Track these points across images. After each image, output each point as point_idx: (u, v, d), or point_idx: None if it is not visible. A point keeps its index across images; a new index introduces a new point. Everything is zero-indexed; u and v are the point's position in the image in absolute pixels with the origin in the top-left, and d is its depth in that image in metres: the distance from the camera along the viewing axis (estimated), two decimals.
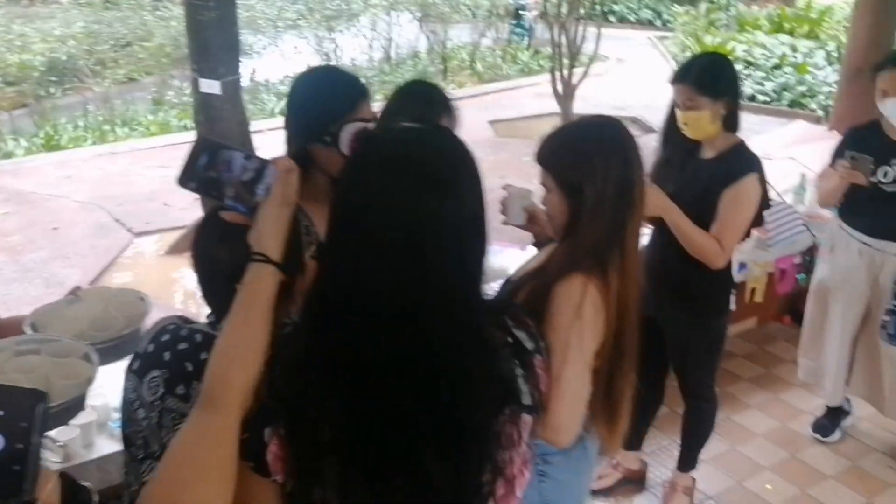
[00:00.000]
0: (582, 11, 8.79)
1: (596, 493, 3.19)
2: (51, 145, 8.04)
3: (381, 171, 1.13)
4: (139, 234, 6.05)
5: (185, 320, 1.58)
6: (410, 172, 1.12)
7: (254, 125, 5.80)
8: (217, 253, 1.46)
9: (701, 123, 2.55)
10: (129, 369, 1.56)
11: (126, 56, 9.83)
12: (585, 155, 1.70)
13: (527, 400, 1.20)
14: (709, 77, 2.55)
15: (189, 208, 5.98)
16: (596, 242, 1.68)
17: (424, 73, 10.80)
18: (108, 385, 2.01)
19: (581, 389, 1.66)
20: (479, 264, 1.18)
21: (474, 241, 1.16)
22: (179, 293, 5.19)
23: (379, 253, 1.10)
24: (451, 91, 10.58)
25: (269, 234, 1.27)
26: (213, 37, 4.75)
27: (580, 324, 1.63)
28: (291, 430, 1.11)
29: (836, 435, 3.57)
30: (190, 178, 1.35)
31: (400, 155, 1.14)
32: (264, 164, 1.32)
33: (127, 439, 1.57)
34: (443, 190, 1.11)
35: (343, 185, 1.17)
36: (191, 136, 7.37)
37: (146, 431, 1.50)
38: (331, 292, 1.13)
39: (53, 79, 9.20)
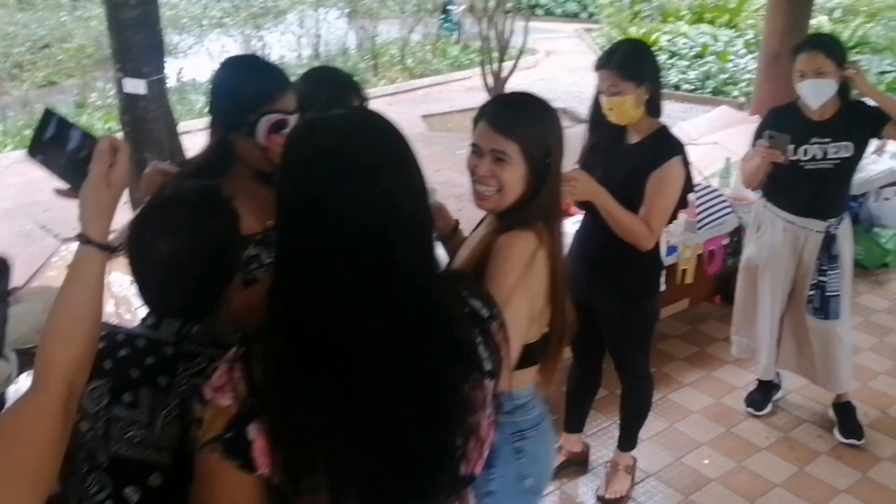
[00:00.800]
0: (509, 5, 8.87)
1: None
2: None
3: (323, 164, 1.13)
4: (67, 241, 5.86)
5: (114, 327, 1.54)
6: (352, 161, 1.12)
7: (182, 125, 5.69)
8: (155, 245, 1.44)
9: (625, 108, 2.62)
10: None
11: (45, 58, 9.51)
12: (554, 126, 1.78)
13: (487, 366, 1.26)
14: (632, 62, 2.61)
15: (119, 210, 5.84)
16: (544, 207, 1.77)
17: (354, 69, 10.73)
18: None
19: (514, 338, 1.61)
20: (431, 238, 1.22)
21: (424, 216, 1.20)
22: (111, 299, 5.05)
23: (337, 242, 1.11)
24: (383, 87, 10.57)
25: (89, 216, 1.27)
26: (135, 35, 4.64)
27: (529, 274, 1.70)
28: (277, 424, 1.12)
29: (768, 408, 3.70)
30: (38, 150, 1.37)
31: (339, 146, 1.14)
32: (93, 142, 1.33)
33: (66, 455, 1.46)
34: (388, 171, 1.13)
35: (287, 182, 1.16)
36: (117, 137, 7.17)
37: (91, 443, 1.46)
38: (296, 287, 1.14)
39: None
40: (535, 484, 1.95)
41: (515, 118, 1.77)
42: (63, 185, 1.37)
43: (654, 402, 3.20)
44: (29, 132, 8.13)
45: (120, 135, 5.60)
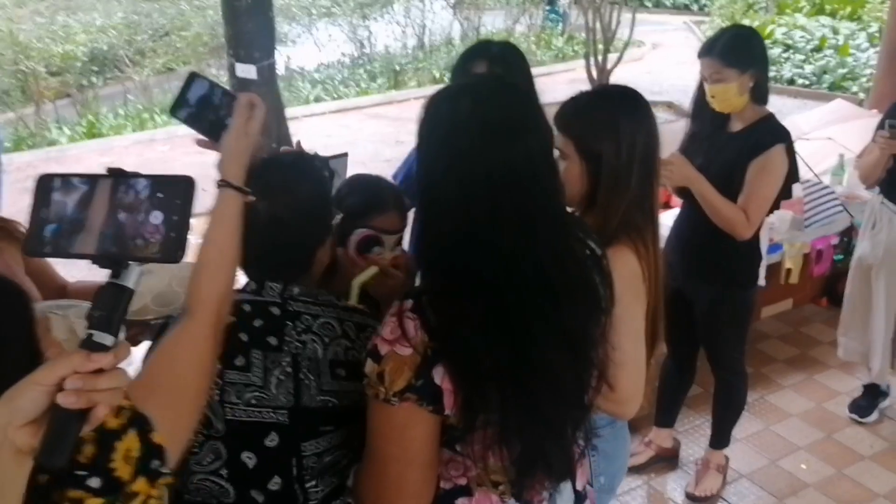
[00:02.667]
0: None
1: (628, 469, 3.20)
2: (93, 133, 8.22)
3: (474, 123, 1.23)
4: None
5: None
6: (499, 119, 1.23)
7: (289, 112, 5.88)
8: (254, 206, 1.48)
9: (728, 96, 2.54)
10: None
11: (164, 46, 9.97)
12: (611, 122, 1.70)
13: (604, 304, 1.38)
14: (735, 49, 2.53)
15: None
16: (626, 212, 1.69)
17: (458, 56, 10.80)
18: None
19: (640, 359, 1.69)
20: (561, 188, 1.36)
21: (554, 168, 1.33)
22: None
23: (487, 194, 1.20)
24: None
25: (228, 162, 1.40)
26: (248, 22, 4.84)
27: (632, 293, 1.65)
28: (459, 366, 1.22)
29: (874, 416, 3.53)
30: (180, 109, 1.51)
31: (488, 106, 1.25)
32: (233, 97, 1.48)
33: None
34: (527, 128, 1.25)
35: (436, 142, 1.26)
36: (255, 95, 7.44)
37: (206, 412, 1.50)
38: (451, 238, 1.24)
39: (95, 69, 9.38)
40: (608, 482, 1.93)
41: (573, 116, 1.75)
42: (203, 138, 1.51)
43: (751, 403, 3.11)
44: (147, 116, 8.58)
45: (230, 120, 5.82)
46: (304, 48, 10.91)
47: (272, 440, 1.51)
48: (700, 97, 2.66)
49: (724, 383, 2.99)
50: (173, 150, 7.59)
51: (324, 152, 2.04)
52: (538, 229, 1.24)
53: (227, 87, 1.56)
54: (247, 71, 4.92)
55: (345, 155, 2.28)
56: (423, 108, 1.29)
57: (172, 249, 0.83)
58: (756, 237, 2.66)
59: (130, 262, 0.84)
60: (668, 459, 3.26)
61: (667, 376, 3.17)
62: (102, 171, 0.89)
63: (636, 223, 1.70)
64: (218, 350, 1.36)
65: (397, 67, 10.50)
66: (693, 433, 3.42)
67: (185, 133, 8.80)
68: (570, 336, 1.29)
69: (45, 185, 0.87)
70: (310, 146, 2.35)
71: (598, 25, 8.42)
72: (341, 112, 9.21)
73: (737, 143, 2.59)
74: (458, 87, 1.34)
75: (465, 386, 1.22)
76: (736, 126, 2.64)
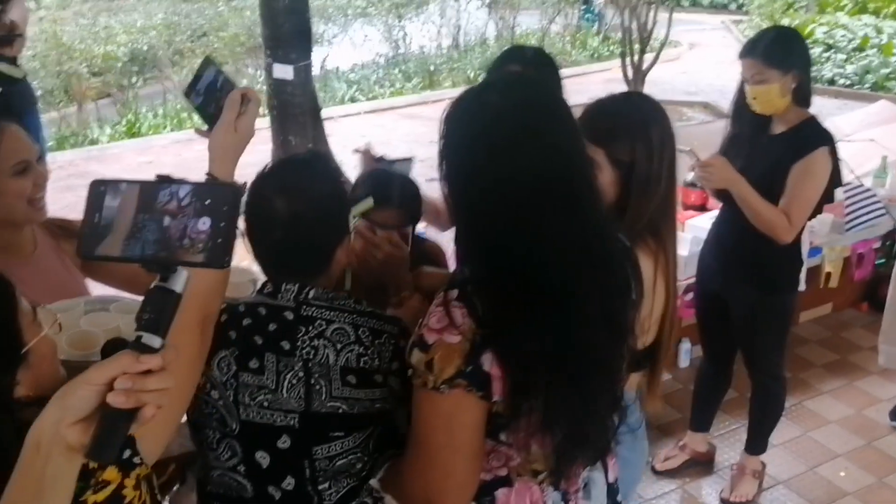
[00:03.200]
0: None
1: (662, 473, 3.18)
2: (132, 132, 8.35)
3: (517, 115, 1.27)
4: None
5: (233, 299, 1.61)
6: (539, 110, 1.29)
7: (324, 112, 5.91)
8: (272, 204, 1.50)
9: (770, 97, 2.51)
10: None
11: (202, 46, 10.09)
12: (642, 129, 1.72)
13: (634, 295, 1.42)
14: (777, 50, 2.49)
15: None
16: (650, 218, 1.72)
17: (492, 59, 10.78)
18: None
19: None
20: (596, 181, 1.41)
21: (589, 160, 1.37)
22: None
23: (533, 183, 1.24)
24: None
25: (216, 156, 1.38)
26: (285, 23, 4.88)
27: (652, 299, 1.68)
28: (507, 352, 1.25)
29: None
30: (193, 93, 1.54)
31: (527, 100, 1.30)
32: (232, 87, 1.48)
33: (196, 426, 1.62)
34: (564, 120, 1.30)
35: (475, 136, 1.28)
36: (262, 122, 7.56)
37: (222, 411, 1.55)
38: (496, 229, 1.26)
39: (135, 69, 9.54)
40: (623, 489, 1.92)
41: (603, 125, 1.74)
42: (202, 129, 1.50)
43: (789, 408, 3.06)
44: (185, 115, 8.69)
45: (266, 119, 5.89)
46: (339, 48, 10.98)
47: (284, 442, 1.53)
48: (741, 99, 2.62)
49: (763, 388, 2.95)
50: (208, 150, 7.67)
51: (392, 154, 2.07)
52: (581, 215, 1.27)
53: (229, 77, 1.53)
54: (284, 71, 4.96)
55: (410, 159, 2.29)
56: (451, 105, 1.31)
57: (220, 255, 0.84)
58: (797, 241, 2.62)
59: (178, 267, 0.86)
60: (702, 464, 3.23)
61: (703, 380, 3.14)
62: (151, 178, 0.91)
63: (659, 228, 1.73)
64: (205, 345, 1.41)
65: (432, 67, 10.52)
66: (728, 438, 3.38)
67: None
68: (610, 320, 1.33)
69: (97, 190, 0.89)
70: (378, 149, 2.40)
71: (634, 25, 8.35)
72: (376, 112, 9.25)
73: (779, 146, 2.56)
74: (486, 83, 1.39)
75: (513, 371, 1.25)
76: (778, 128, 2.60)
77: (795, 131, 2.55)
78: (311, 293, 1.54)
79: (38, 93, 6.52)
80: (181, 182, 0.88)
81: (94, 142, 8.17)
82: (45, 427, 0.83)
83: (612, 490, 1.55)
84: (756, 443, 3.05)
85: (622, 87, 8.46)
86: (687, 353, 3.81)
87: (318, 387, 1.50)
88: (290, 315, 1.52)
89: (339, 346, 1.50)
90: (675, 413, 3.52)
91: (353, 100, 9.53)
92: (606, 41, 12.08)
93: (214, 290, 1.41)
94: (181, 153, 7.72)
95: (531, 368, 1.25)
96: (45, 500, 0.84)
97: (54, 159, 7.07)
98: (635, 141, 1.71)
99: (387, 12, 11.34)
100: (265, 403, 1.52)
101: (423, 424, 1.31)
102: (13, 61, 2.77)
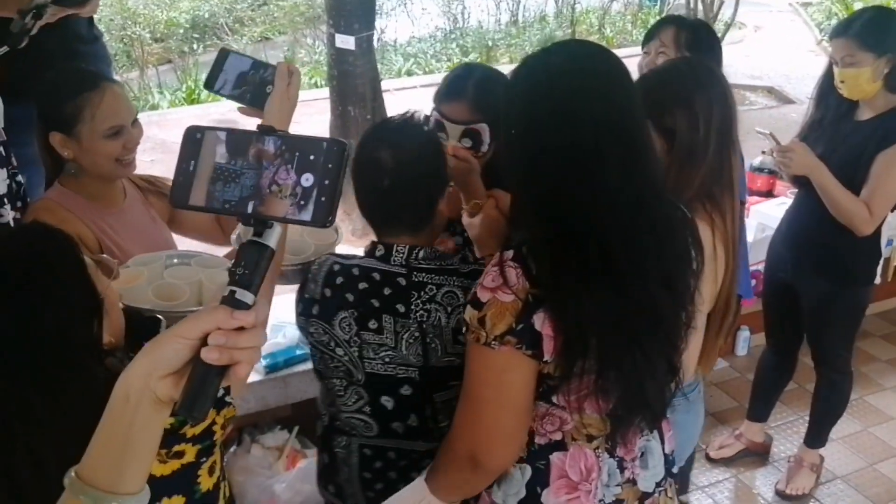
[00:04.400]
0: None
1: (716, 461, 3.14)
2: (192, 99, 8.46)
3: (576, 77, 1.28)
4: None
5: (342, 257, 1.71)
6: (598, 72, 1.29)
7: (382, 84, 5.90)
8: (378, 157, 1.60)
9: (860, 81, 2.41)
10: (310, 316, 1.68)
11: (262, 15, 10.16)
12: (684, 95, 1.71)
13: (695, 264, 1.42)
14: (873, 31, 2.38)
15: None
16: (702, 184, 1.70)
17: (552, 36, 10.64)
18: None
19: (702, 330, 1.75)
20: (653, 143, 1.41)
21: (646, 120, 1.35)
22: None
23: (590, 144, 1.25)
24: None
25: (274, 122, 1.49)
26: None
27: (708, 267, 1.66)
28: (560, 311, 1.27)
29: None
30: (215, 83, 1.62)
31: (588, 62, 1.31)
32: (270, 67, 1.59)
33: (320, 373, 1.78)
34: (623, 82, 1.30)
35: (533, 98, 1.30)
36: (321, 93, 7.59)
37: (347, 365, 1.68)
38: (552, 190, 1.28)
39: (196, 36, 9.62)
40: (676, 452, 1.90)
41: (646, 94, 1.71)
42: (243, 106, 1.62)
43: (850, 403, 2.98)
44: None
45: (326, 90, 5.90)
46: (397, 20, 10.93)
47: (406, 390, 1.67)
48: (827, 81, 2.52)
49: (828, 381, 2.87)
50: None
51: None
52: (639, 177, 1.28)
53: (257, 58, 1.65)
54: (346, 42, 4.95)
55: None
56: (514, 70, 1.35)
57: (323, 214, 0.80)
58: (877, 233, 2.53)
59: (274, 223, 0.83)
60: (758, 454, 3.17)
61: (765, 369, 3.07)
62: (252, 129, 0.88)
63: (713, 195, 1.71)
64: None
65: (490, 43, 10.42)
66: (786, 430, 3.32)
67: None
68: (669, 283, 1.33)
69: (193, 137, 0.86)
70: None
71: (699, 6, 8.16)
72: (432, 87, 9.19)
73: (864, 133, 2.46)
74: (548, 47, 1.39)
75: (565, 330, 1.26)
76: (864, 114, 2.50)
77: (883, 118, 2.45)
78: (420, 254, 1.63)
79: None
80: (284, 134, 0.83)
81: (154, 107, 8.30)
82: (135, 379, 0.82)
83: (669, 461, 1.55)
84: (816, 436, 2.98)
85: None
86: (746, 341, 3.74)
87: (433, 345, 1.62)
88: (402, 281, 1.62)
89: (449, 308, 1.60)
90: (731, 401, 3.47)
91: (409, 73, 9.50)
92: None
93: (283, 245, 1.48)
94: (239, 120, 7.77)
95: (584, 328, 1.27)
96: (133, 451, 0.83)
97: None
98: (676, 109, 1.70)
99: None
100: (387, 359, 1.65)
101: (473, 378, 1.34)
102: (91, 22, 2.80)
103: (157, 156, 6.86)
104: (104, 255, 1.37)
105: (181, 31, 9.43)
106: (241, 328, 0.80)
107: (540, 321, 1.26)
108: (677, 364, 1.40)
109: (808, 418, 3.02)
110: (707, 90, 1.71)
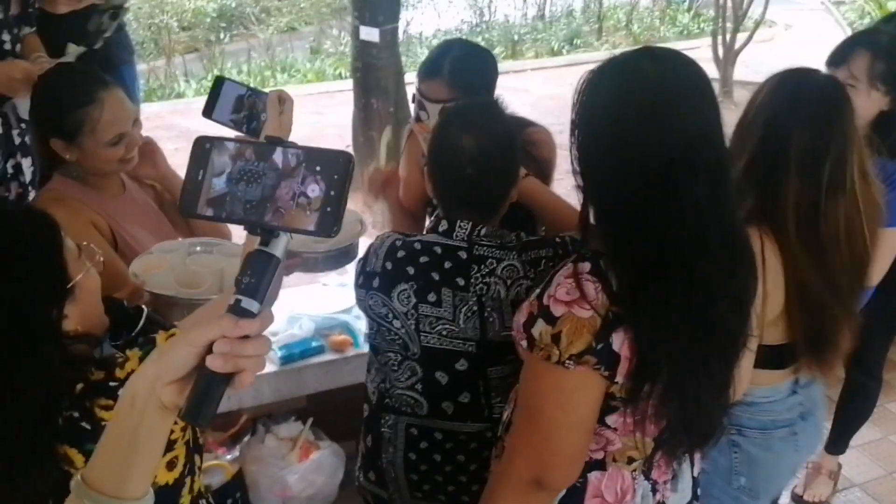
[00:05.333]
0: None
1: None
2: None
3: (665, 86, 1.24)
4: None
5: (407, 236, 1.76)
6: (682, 84, 1.24)
7: (407, 77, 5.89)
8: (459, 143, 1.64)
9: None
10: (370, 288, 1.72)
11: (289, 5, 10.18)
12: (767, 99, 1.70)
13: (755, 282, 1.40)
14: None
15: None
16: (757, 200, 1.66)
17: (578, 32, 10.57)
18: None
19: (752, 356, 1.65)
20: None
21: (724, 139, 1.31)
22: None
23: (683, 158, 1.20)
24: (605, 51, 10.32)
25: None
26: None
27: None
28: (640, 330, 1.22)
29: None
30: (212, 111, 1.64)
31: (670, 75, 1.25)
32: (263, 95, 1.59)
33: (376, 348, 1.82)
34: (705, 95, 1.26)
35: (619, 111, 1.24)
36: (345, 84, 7.58)
37: (404, 338, 1.72)
38: (631, 205, 1.23)
39: (223, 25, 9.67)
40: (750, 486, 1.87)
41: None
42: (239, 134, 1.62)
43: None
44: (268, 73, 8.80)
45: (350, 81, 5.90)
46: (423, 13, 10.90)
47: (462, 365, 1.70)
48: None
49: (858, 387, 2.83)
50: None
51: None
52: (719, 191, 1.24)
53: (254, 86, 1.69)
54: (370, 34, 4.94)
55: None
56: (595, 72, 1.27)
57: (328, 224, 0.81)
58: None
59: (281, 232, 0.84)
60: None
61: None
62: (261, 140, 0.89)
63: (770, 215, 1.67)
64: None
65: (515, 37, 10.36)
66: None
67: (304, 93, 8.93)
68: (739, 302, 1.30)
69: (202, 147, 0.87)
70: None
71: (728, 2, 8.05)
72: None
73: None
74: (637, 51, 1.32)
75: (643, 352, 1.21)
76: None
77: None
78: (483, 231, 1.68)
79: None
80: (292, 145, 0.85)
81: (180, 95, 8.34)
82: (141, 384, 0.84)
83: (695, 483, 1.52)
84: (838, 442, 2.94)
85: (711, 67, 8.19)
86: None
87: (491, 319, 1.66)
88: (463, 254, 1.67)
89: (509, 281, 1.65)
90: None
91: None
92: (697, 18, 11.69)
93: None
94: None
95: (660, 351, 1.21)
96: (137, 456, 0.85)
97: (142, 110, 7.25)
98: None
99: None
100: (444, 332, 1.69)
101: (540, 398, 1.28)
102: (106, 13, 2.83)
103: (180, 144, 6.88)
104: (88, 244, 1.38)
105: (208, 20, 9.48)
106: (247, 336, 0.81)
107: (619, 341, 1.22)
108: (731, 388, 1.37)
109: (828, 425, 2.97)
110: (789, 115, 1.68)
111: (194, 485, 1.42)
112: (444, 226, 1.69)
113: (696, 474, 1.51)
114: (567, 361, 1.22)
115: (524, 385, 1.32)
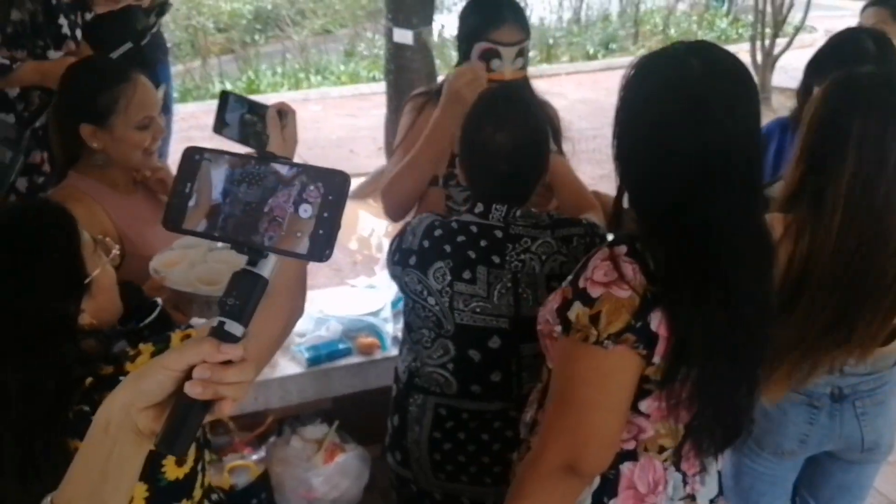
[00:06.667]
0: None
1: None
2: (251, 89, 8.55)
3: (709, 82, 1.25)
4: None
5: (444, 216, 1.80)
6: (729, 82, 1.26)
7: (439, 80, 5.88)
8: (496, 138, 1.68)
9: None
10: (406, 265, 1.76)
11: (324, 7, 10.25)
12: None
13: None
14: None
15: (373, 156, 6.20)
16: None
17: (614, 36, 10.50)
18: None
19: None
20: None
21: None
22: (354, 239, 5.40)
23: (722, 151, 1.23)
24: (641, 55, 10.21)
25: None
26: None
27: None
28: (677, 309, 1.25)
29: None
30: (223, 127, 1.62)
31: (722, 71, 1.27)
32: (265, 109, 1.55)
33: (409, 325, 1.85)
34: (750, 96, 1.29)
35: (658, 104, 1.28)
36: (378, 87, 7.61)
37: (438, 315, 1.75)
38: (668, 191, 1.27)
39: (258, 27, 9.76)
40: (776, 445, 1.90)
41: None
42: (250, 150, 1.57)
43: None
44: (302, 76, 8.86)
45: (383, 84, 5.91)
46: (457, 16, 10.91)
47: (494, 342, 1.74)
48: None
49: None
50: (325, 110, 7.80)
51: None
52: (753, 189, 1.29)
53: (259, 101, 1.62)
54: (404, 36, 4.94)
55: None
56: (640, 65, 1.31)
57: (320, 248, 0.76)
58: None
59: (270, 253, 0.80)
60: None
61: None
62: (251, 153, 0.85)
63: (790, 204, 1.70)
64: (285, 335, 1.43)
65: (551, 41, 10.32)
66: None
67: (337, 94, 8.99)
68: (763, 299, 1.33)
69: (192, 159, 0.82)
70: None
71: (768, 7, 7.94)
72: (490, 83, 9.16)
73: None
74: (682, 46, 1.34)
75: (679, 330, 1.23)
76: None
77: None
78: (518, 213, 1.73)
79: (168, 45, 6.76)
80: (285, 161, 0.80)
81: (214, 96, 8.39)
82: (116, 408, 0.79)
83: (720, 478, 1.53)
84: None
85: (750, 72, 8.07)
86: None
87: (524, 295, 1.71)
88: (499, 233, 1.72)
89: (543, 257, 1.71)
90: None
91: None
92: (736, 23, 11.57)
93: (301, 279, 1.39)
94: (297, 113, 7.86)
95: (696, 331, 1.24)
96: (109, 483, 0.80)
97: (176, 111, 7.31)
98: None
99: None
100: (478, 310, 1.73)
101: (575, 380, 1.29)
102: (152, 12, 2.88)
103: (214, 144, 6.90)
104: (104, 237, 1.38)
105: (244, 22, 9.57)
106: (229, 361, 0.77)
107: (657, 321, 1.24)
108: (756, 385, 1.38)
109: None
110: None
111: (204, 479, 1.41)
112: (479, 208, 1.74)
113: (720, 468, 1.52)
114: (605, 341, 1.23)
115: (558, 371, 1.32)
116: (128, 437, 0.79)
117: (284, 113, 1.52)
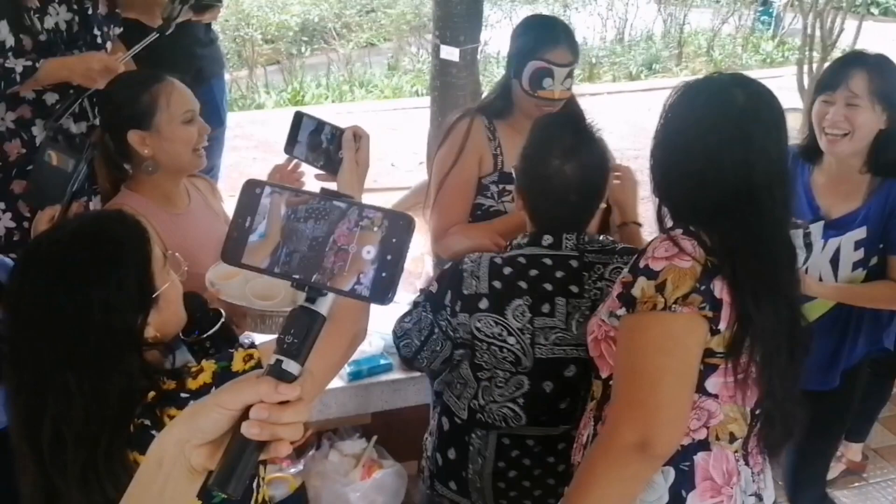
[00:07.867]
0: (844, 3, 8.07)
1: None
2: (296, 100, 8.66)
3: (748, 114, 1.41)
4: (366, 191, 6.37)
5: (498, 254, 1.81)
6: (767, 112, 1.44)
7: (482, 96, 5.90)
8: (564, 171, 1.71)
9: None
10: (474, 311, 1.72)
11: (369, 21, 10.32)
12: None
13: None
14: None
15: (414, 171, 6.22)
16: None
17: (658, 57, 10.44)
18: None
19: None
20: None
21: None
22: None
23: (762, 190, 1.40)
24: (685, 76, 10.15)
25: (347, 188, 1.50)
26: (458, 5, 4.87)
27: None
28: (736, 276, 1.35)
29: None
30: (294, 146, 1.63)
31: (774, 105, 1.45)
32: (339, 131, 1.56)
33: (480, 367, 1.81)
34: (779, 121, 1.45)
35: (699, 130, 1.41)
36: (421, 101, 7.64)
37: (518, 353, 1.75)
38: (722, 210, 1.39)
39: (305, 39, 9.87)
40: None
41: None
42: (320, 172, 1.62)
43: None
44: (346, 88, 8.93)
45: (427, 99, 5.93)
46: (501, 33, 10.94)
47: (570, 371, 1.76)
48: None
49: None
50: (367, 124, 7.81)
51: None
52: (785, 217, 1.44)
53: (333, 123, 1.63)
54: (450, 53, 4.96)
55: None
56: (686, 91, 1.43)
57: (382, 290, 0.75)
58: None
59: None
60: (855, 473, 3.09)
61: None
62: (316, 191, 0.84)
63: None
64: (345, 360, 1.46)
65: (593, 60, 10.29)
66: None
67: (380, 108, 9.04)
68: (792, 300, 1.45)
69: (252, 192, 0.82)
70: None
71: (817, 31, 7.83)
72: None
73: None
74: (726, 77, 1.51)
75: (742, 295, 1.31)
76: None
77: None
78: (586, 238, 1.77)
79: None
80: (349, 200, 0.79)
81: (259, 106, 8.54)
82: (170, 444, 0.79)
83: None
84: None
85: (794, 96, 7.95)
86: None
87: None
88: (574, 263, 1.75)
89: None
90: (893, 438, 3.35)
91: None
92: (782, 46, 11.42)
93: (365, 305, 1.39)
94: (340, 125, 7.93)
95: (757, 296, 1.32)
96: None
97: None
98: None
99: (554, 0, 11.18)
100: (557, 341, 1.74)
101: (647, 349, 1.33)
102: (208, 26, 2.91)
103: (258, 154, 7.04)
104: (174, 253, 1.41)
105: (291, 33, 9.68)
106: (286, 401, 0.76)
107: (719, 287, 1.33)
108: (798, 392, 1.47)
109: None
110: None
111: (259, 495, 1.42)
112: (548, 240, 1.75)
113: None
114: (673, 305, 1.30)
115: (626, 349, 1.37)
116: (181, 474, 0.79)
117: (359, 136, 1.54)
